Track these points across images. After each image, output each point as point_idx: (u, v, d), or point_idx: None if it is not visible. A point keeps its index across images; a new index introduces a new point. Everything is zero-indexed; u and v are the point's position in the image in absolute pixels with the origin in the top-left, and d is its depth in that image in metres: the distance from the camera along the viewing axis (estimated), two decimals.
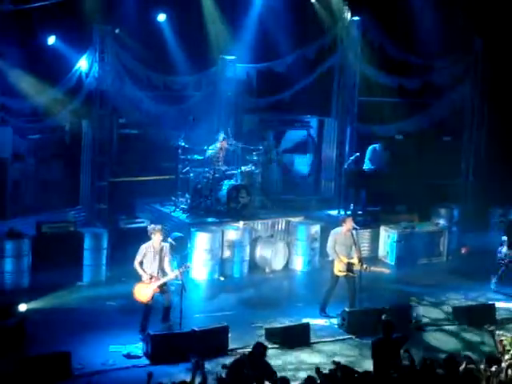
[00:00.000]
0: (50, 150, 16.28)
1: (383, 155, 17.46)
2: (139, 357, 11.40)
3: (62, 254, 14.08)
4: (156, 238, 12.00)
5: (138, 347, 11.57)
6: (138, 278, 13.70)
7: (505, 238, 14.56)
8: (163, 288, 11.98)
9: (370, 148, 17.52)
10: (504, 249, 14.56)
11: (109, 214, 16.03)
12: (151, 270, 11.94)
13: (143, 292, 11.93)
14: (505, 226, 15.18)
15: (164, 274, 11.97)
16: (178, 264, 12.92)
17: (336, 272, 13.13)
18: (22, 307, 11.62)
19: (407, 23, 17.34)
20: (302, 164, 18.77)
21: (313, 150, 18.67)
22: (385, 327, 10.49)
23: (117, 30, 15.65)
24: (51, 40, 15.12)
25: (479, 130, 18.75)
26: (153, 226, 12.39)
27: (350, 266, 13.05)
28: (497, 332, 11.35)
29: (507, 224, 14.97)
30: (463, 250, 17.14)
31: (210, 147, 16.02)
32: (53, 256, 13.96)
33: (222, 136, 16.09)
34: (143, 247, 12.05)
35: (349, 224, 13.15)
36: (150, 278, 11.87)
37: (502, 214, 17.98)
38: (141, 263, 12.02)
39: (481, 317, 13.13)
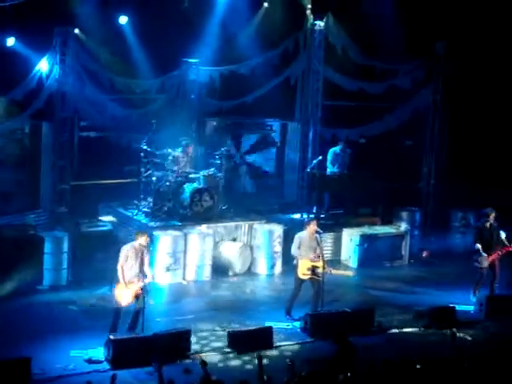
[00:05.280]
0: (9, 153, 16.08)
1: (344, 156, 17.55)
2: (100, 361, 11.29)
3: (21, 257, 13.89)
4: (141, 241, 11.91)
5: (99, 352, 11.46)
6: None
7: (478, 245, 14.16)
8: (141, 291, 11.82)
9: (331, 151, 17.61)
10: (485, 260, 14.13)
11: (70, 217, 15.87)
12: (133, 271, 11.83)
13: (124, 294, 11.78)
14: (475, 232, 14.60)
15: (144, 275, 11.89)
16: None
17: (300, 275, 13.13)
18: None
19: (370, 28, 17.44)
20: (265, 167, 18.78)
21: (275, 153, 18.68)
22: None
23: (76, 30, 15.50)
24: (10, 41, 14.93)
25: (441, 134, 18.93)
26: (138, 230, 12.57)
27: (314, 269, 13.06)
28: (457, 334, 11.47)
29: (476, 230, 14.77)
30: (424, 254, 17.28)
31: (174, 151, 15.97)
32: (12, 260, 13.76)
33: (187, 141, 16.06)
34: (125, 249, 11.92)
35: (313, 227, 13.17)
36: (131, 282, 11.76)
37: (462, 217, 18.16)
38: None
39: (442, 319, 13.26)
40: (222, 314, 13.41)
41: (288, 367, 9.50)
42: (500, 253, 14.24)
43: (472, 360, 10.29)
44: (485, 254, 14.15)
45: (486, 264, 14.20)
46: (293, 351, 12.08)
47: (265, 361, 10.46)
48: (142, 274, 11.90)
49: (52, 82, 15.56)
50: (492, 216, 14.28)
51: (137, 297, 11.85)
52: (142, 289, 11.81)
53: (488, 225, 14.30)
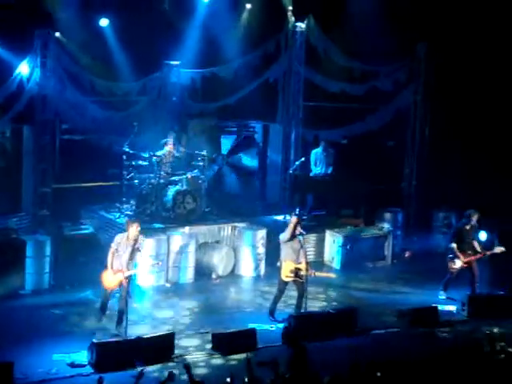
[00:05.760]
0: None
1: (328, 157, 17.57)
2: (84, 365, 11.24)
3: (3, 262, 13.80)
4: (132, 230, 12.18)
5: (82, 355, 11.41)
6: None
7: (453, 245, 14.26)
8: (126, 280, 12.06)
9: (313, 152, 17.65)
10: (458, 261, 14.24)
11: (52, 220, 15.81)
12: (122, 260, 12.10)
13: (110, 279, 12.20)
14: (454, 231, 14.70)
15: (133, 266, 12.23)
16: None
17: (283, 277, 13.14)
18: None
19: (352, 29, 17.47)
20: (248, 169, 18.76)
21: (258, 155, 18.69)
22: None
23: (57, 33, 15.45)
24: None
25: (422, 135, 19.02)
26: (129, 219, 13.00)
27: (297, 271, 13.06)
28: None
29: (455, 230, 14.67)
30: (407, 254, 17.36)
31: (157, 153, 15.96)
32: None
33: (168, 140, 16.06)
34: (118, 237, 12.31)
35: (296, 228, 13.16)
36: (118, 271, 12.10)
37: (444, 217, 18.25)
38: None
39: (424, 319, 13.33)
40: (205, 316, 13.41)
41: (271, 369, 9.48)
42: (474, 258, 14.27)
43: (454, 359, 10.34)
44: (459, 256, 14.21)
45: (457, 265, 14.25)
46: (276, 353, 12.06)
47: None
48: (130, 264, 12.13)
49: (33, 85, 15.51)
50: (474, 218, 14.30)
51: (121, 285, 12.13)
52: (127, 278, 12.07)
53: (468, 227, 14.35)
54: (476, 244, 14.34)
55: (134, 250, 12.21)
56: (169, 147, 15.99)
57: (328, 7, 17.56)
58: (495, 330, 11.31)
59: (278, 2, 17.66)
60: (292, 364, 9.74)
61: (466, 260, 14.22)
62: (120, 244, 12.23)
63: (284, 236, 13.17)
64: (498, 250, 14.29)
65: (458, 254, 14.19)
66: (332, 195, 17.55)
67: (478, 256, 14.26)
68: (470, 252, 14.25)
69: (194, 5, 16.94)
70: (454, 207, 17.86)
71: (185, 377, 9.31)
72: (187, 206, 15.81)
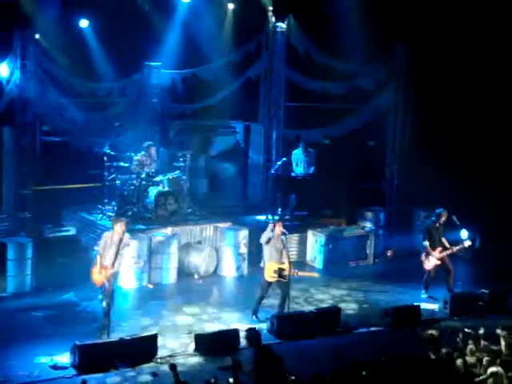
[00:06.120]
0: None
1: (308, 157, 17.60)
2: (66, 367, 11.19)
3: None
4: (116, 228, 12.21)
5: (64, 358, 11.35)
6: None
7: (426, 243, 14.47)
8: (112, 277, 12.11)
9: (293, 153, 17.68)
10: (432, 259, 14.44)
11: (33, 222, 15.73)
12: (107, 258, 12.13)
13: (96, 277, 12.23)
14: (424, 230, 14.83)
15: (119, 264, 12.23)
16: None
17: (267, 278, 13.15)
18: None
19: (333, 29, 17.50)
20: (230, 170, 18.76)
21: (240, 155, 18.68)
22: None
23: (37, 35, 15.37)
24: None
25: (403, 134, 19.09)
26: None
27: (280, 272, 13.07)
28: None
29: (427, 229, 14.75)
30: (389, 253, 17.43)
31: (137, 154, 15.92)
32: None
33: (148, 143, 16.02)
34: (104, 235, 12.40)
35: (278, 228, 13.18)
36: (104, 267, 12.11)
37: (425, 216, 18.33)
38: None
39: (406, 318, 13.38)
40: (188, 317, 13.37)
41: (234, 369, 9.44)
42: (445, 254, 14.43)
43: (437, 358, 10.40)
44: (432, 254, 14.41)
45: (432, 263, 14.44)
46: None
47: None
48: (116, 261, 12.13)
49: (12, 86, 15.45)
50: (444, 217, 14.52)
51: (107, 281, 12.14)
52: (112, 275, 12.12)
53: (438, 225, 14.56)
54: (445, 241, 14.57)
55: (120, 249, 12.19)
56: (148, 151, 15.93)
57: (308, 7, 17.58)
58: (481, 332, 11.33)
59: (259, 2, 17.67)
60: (257, 366, 9.74)
61: (438, 257, 14.41)
62: (106, 242, 12.26)
63: (262, 238, 13.21)
64: (466, 244, 14.60)
65: (431, 251, 14.39)
66: (314, 195, 17.57)
67: (449, 252, 14.47)
68: (440, 249, 14.46)
69: (174, 5, 16.93)
70: (436, 206, 17.94)
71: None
72: (169, 207, 15.79)
